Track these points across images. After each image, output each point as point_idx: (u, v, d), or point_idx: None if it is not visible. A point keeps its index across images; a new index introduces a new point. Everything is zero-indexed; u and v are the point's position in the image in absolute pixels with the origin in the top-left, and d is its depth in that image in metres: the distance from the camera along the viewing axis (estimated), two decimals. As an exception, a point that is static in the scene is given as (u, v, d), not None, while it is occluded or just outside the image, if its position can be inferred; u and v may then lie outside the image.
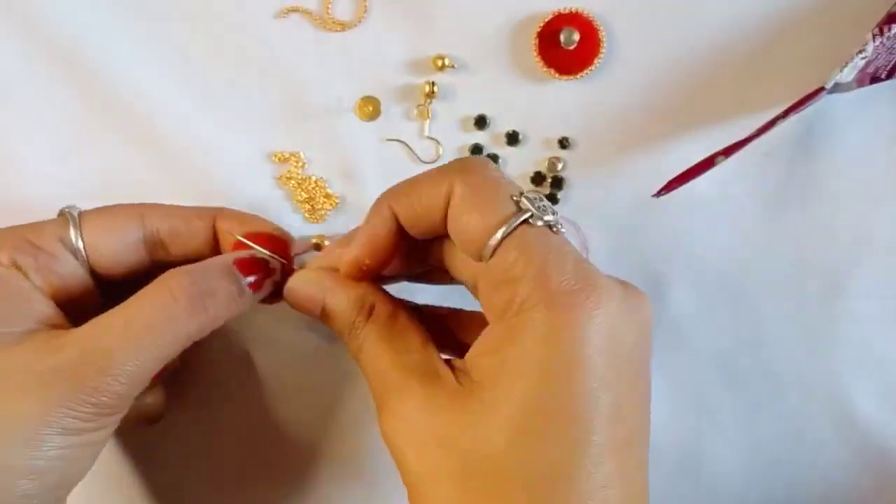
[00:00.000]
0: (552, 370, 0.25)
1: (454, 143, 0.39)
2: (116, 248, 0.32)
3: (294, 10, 0.39)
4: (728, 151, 0.35)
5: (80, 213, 0.32)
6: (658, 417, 0.39)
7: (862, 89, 0.36)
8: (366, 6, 0.39)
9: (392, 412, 0.28)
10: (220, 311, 0.30)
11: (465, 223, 0.27)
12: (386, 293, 0.32)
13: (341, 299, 0.31)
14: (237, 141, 0.39)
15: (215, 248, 0.34)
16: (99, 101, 0.39)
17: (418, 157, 0.39)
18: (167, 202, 0.38)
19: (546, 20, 0.38)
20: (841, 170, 0.38)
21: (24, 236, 0.30)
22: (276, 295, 0.33)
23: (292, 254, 0.35)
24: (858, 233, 0.38)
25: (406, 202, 0.29)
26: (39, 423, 0.26)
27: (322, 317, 0.32)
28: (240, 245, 0.34)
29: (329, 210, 0.39)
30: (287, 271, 0.34)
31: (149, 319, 0.28)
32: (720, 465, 0.39)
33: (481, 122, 0.39)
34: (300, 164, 0.39)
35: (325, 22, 0.39)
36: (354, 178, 0.40)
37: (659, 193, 0.35)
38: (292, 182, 0.39)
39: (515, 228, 0.26)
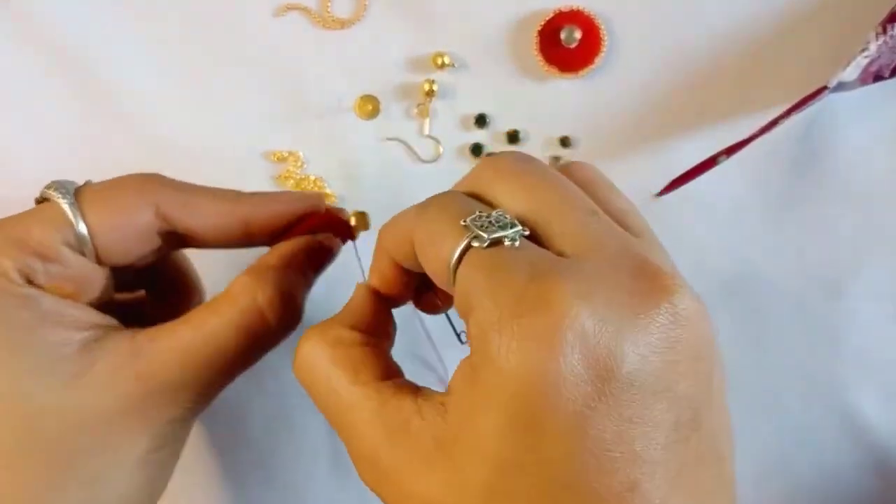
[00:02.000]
0: (517, 410, 0.20)
1: (454, 141, 0.39)
2: (129, 248, 0.29)
3: (293, 7, 0.39)
4: (730, 150, 0.35)
5: (78, 192, 0.28)
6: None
7: (865, 88, 0.36)
8: (365, 4, 0.38)
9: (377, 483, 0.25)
10: (287, 319, 0.30)
11: (426, 261, 0.24)
12: (354, 333, 0.27)
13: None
14: (235, 140, 0.39)
15: (242, 230, 0.31)
16: (97, 100, 0.39)
17: (418, 157, 0.39)
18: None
19: (547, 18, 0.38)
20: (844, 169, 0.38)
21: (27, 244, 0.27)
22: None
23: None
24: (862, 232, 0.38)
25: (389, 242, 0.27)
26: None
27: None
28: (301, 229, 0.31)
29: (328, 209, 0.39)
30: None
31: (241, 349, 0.28)
32: None
33: (482, 120, 0.39)
34: (299, 163, 0.39)
35: (325, 20, 0.38)
36: (353, 177, 0.39)
37: (662, 192, 0.35)
38: (291, 181, 0.39)
39: (462, 256, 0.23)
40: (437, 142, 0.39)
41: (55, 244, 0.27)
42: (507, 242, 0.22)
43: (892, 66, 0.36)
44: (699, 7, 0.37)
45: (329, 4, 0.38)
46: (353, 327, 0.26)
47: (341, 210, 0.33)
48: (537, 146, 0.39)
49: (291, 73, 0.39)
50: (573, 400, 0.20)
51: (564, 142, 0.38)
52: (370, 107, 0.39)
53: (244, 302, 0.28)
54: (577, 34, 0.37)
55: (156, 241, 0.29)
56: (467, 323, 0.22)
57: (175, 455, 0.30)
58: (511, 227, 0.23)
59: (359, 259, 0.32)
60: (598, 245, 0.22)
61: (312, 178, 0.39)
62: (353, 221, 0.33)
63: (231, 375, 0.29)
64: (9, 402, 0.26)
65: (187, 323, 0.28)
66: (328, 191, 0.39)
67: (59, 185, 0.28)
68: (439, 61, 0.38)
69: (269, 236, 0.31)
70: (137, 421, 0.27)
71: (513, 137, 0.38)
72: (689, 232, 0.39)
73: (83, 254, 0.28)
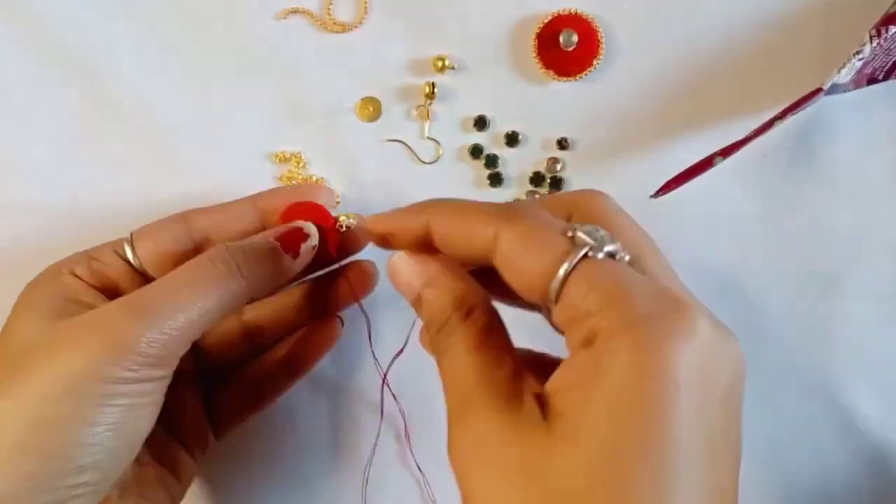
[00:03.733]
0: (639, 408, 0.22)
1: (454, 143, 0.39)
2: (166, 253, 0.33)
3: (295, 11, 0.39)
4: (726, 152, 0.35)
5: (133, 232, 0.34)
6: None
7: (859, 90, 0.37)
8: (366, 7, 0.39)
9: (466, 429, 0.25)
10: (257, 275, 0.32)
11: (521, 269, 0.25)
12: (489, 301, 0.28)
13: (441, 292, 0.28)
14: (238, 141, 0.39)
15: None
16: (99, 102, 0.39)
17: (418, 158, 0.39)
18: (166, 202, 0.38)
19: (545, 21, 0.38)
20: (838, 170, 0.38)
21: (85, 253, 0.33)
22: (323, 260, 0.36)
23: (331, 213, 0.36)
24: (856, 233, 0.38)
25: (446, 228, 0.28)
26: (83, 372, 0.28)
27: (414, 303, 0.29)
28: (285, 217, 0.35)
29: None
30: (330, 234, 0.35)
31: (188, 279, 0.30)
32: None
33: (481, 122, 0.39)
34: (301, 164, 0.39)
35: (326, 23, 0.39)
36: (355, 178, 0.40)
37: (657, 194, 0.35)
38: (293, 182, 0.39)
39: (577, 264, 0.24)
40: (438, 143, 0.39)
41: (104, 249, 0.33)
42: (618, 256, 0.25)
43: (886, 69, 0.36)
44: (695, 11, 0.38)
45: (330, 8, 0.39)
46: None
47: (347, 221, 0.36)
48: (536, 148, 0.39)
49: (293, 75, 0.39)
50: (688, 405, 0.22)
51: (562, 143, 0.39)
52: (371, 109, 0.39)
53: (202, 262, 0.31)
54: (575, 38, 0.37)
55: (191, 252, 0.34)
56: (576, 331, 0.24)
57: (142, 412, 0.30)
58: (613, 243, 0.25)
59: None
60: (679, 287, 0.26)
61: (314, 179, 0.40)
62: (341, 219, 0.36)
63: (190, 326, 0.30)
64: (15, 335, 0.30)
65: (152, 283, 0.31)
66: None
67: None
68: (439, 64, 0.38)
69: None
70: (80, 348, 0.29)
71: (511, 139, 0.39)
72: (685, 232, 0.39)
73: (128, 261, 0.33)
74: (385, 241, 0.30)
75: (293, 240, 0.33)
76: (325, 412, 0.40)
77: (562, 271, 0.24)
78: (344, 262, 0.37)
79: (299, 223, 0.34)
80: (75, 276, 0.32)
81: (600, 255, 0.24)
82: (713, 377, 0.23)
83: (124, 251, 0.33)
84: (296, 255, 0.33)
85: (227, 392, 0.37)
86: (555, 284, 0.24)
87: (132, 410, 0.29)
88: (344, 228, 0.36)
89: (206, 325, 0.30)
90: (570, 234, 0.25)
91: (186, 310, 0.29)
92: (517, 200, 0.27)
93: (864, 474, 0.39)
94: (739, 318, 0.39)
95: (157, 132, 0.39)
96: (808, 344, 0.39)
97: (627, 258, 0.25)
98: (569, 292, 0.24)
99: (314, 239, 0.34)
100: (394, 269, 0.30)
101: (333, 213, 0.36)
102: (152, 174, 0.40)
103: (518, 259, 0.25)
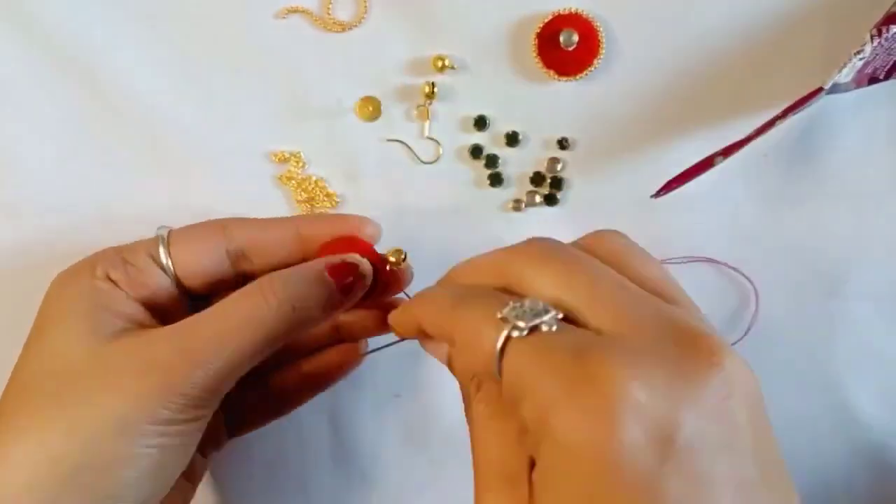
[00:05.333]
0: (586, 487, 0.21)
1: (454, 143, 0.39)
2: (202, 261, 0.33)
3: (294, 10, 0.39)
4: (727, 152, 0.35)
5: (170, 232, 0.33)
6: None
7: (860, 90, 0.37)
8: (366, 7, 0.39)
9: None
10: (310, 315, 0.31)
11: (470, 363, 0.26)
12: None
13: (458, 361, 0.28)
14: (237, 141, 0.39)
15: (301, 257, 0.34)
16: (99, 102, 0.39)
17: (418, 158, 0.39)
18: (166, 203, 0.38)
19: (545, 21, 0.38)
20: (839, 170, 0.38)
21: (119, 253, 0.32)
22: (367, 297, 0.34)
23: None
24: (857, 233, 0.38)
25: (427, 328, 0.28)
26: (135, 414, 0.28)
27: (447, 363, 0.29)
28: (327, 249, 0.34)
29: (328, 209, 0.40)
30: (381, 271, 0.34)
31: (240, 319, 0.30)
32: None
33: (481, 122, 0.39)
34: (300, 163, 0.39)
35: (326, 22, 0.39)
36: (354, 178, 0.40)
37: (657, 194, 0.35)
38: (293, 182, 0.39)
39: (503, 350, 0.24)
40: (438, 143, 0.39)
41: (139, 251, 0.32)
42: (544, 328, 0.23)
43: (886, 68, 0.36)
44: (696, 11, 0.38)
45: (330, 7, 0.39)
46: None
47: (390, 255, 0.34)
48: (536, 148, 0.39)
49: (293, 75, 0.39)
50: (638, 469, 0.20)
51: (563, 143, 0.39)
52: (371, 108, 0.39)
53: (250, 302, 0.30)
54: (576, 37, 0.37)
55: (225, 263, 0.33)
56: (520, 410, 0.23)
57: (175, 455, 0.30)
58: (546, 313, 0.24)
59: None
60: (634, 317, 0.23)
61: (314, 178, 0.39)
62: (390, 258, 0.34)
63: (238, 368, 0.30)
64: (57, 351, 0.29)
65: (194, 317, 0.30)
66: (330, 190, 0.40)
67: (161, 227, 0.34)
68: (439, 64, 0.38)
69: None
70: (130, 384, 0.29)
71: (512, 139, 0.39)
72: (686, 232, 0.39)
73: (162, 268, 0.33)
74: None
75: (346, 275, 0.32)
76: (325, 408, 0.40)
77: (496, 356, 0.24)
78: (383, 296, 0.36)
79: (355, 258, 0.33)
80: (111, 280, 0.32)
81: (525, 333, 0.23)
82: (674, 429, 0.21)
83: (159, 256, 0.33)
84: (347, 293, 0.32)
85: (248, 396, 0.36)
86: (495, 369, 0.24)
87: (178, 448, 0.30)
88: (388, 268, 0.34)
89: (254, 364, 0.30)
90: (500, 314, 0.24)
91: (239, 354, 0.29)
92: (471, 288, 0.27)
93: (864, 474, 0.39)
94: (739, 319, 0.39)
95: (157, 131, 0.39)
96: (808, 344, 0.39)
97: (556, 325, 0.24)
98: (506, 374, 0.24)
99: (368, 279, 0.33)
100: (424, 327, 0.30)
101: (377, 248, 0.35)
102: (151, 174, 0.39)
103: (465, 351, 0.26)
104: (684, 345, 0.22)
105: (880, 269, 0.38)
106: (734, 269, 0.39)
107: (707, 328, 0.23)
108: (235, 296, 0.30)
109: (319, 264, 0.32)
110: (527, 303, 0.24)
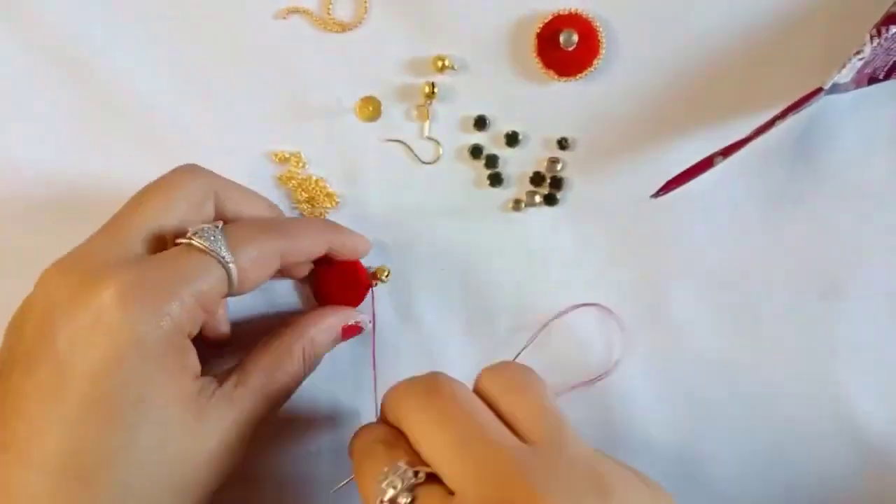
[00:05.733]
0: None
1: (454, 143, 0.39)
2: (261, 279, 0.33)
3: (294, 10, 0.39)
4: (727, 152, 0.35)
5: (237, 264, 0.31)
6: (656, 417, 0.39)
7: (860, 90, 0.37)
8: (366, 7, 0.39)
9: None
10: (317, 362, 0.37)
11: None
12: None
13: None
14: (237, 141, 0.39)
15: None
16: (98, 102, 0.39)
17: (418, 158, 0.39)
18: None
19: (545, 21, 0.38)
20: (839, 170, 0.38)
21: (198, 300, 0.30)
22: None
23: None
24: (857, 233, 0.38)
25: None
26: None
27: None
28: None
29: (329, 209, 0.40)
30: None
31: (279, 384, 0.34)
32: (719, 464, 0.39)
33: (481, 122, 0.39)
34: (300, 163, 0.39)
35: (326, 22, 0.39)
36: (354, 178, 0.40)
37: (657, 194, 0.35)
38: (293, 182, 0.39)
39: None
40: (438, 143, 0.39)
41: (217, 300, 0.31)
42: (401, 501, 0.27)
43: (886, 69, 0.36)
44: (696, 11, 0.38)
45: (330, 7, 0.39)
46: None
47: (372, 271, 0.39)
48: (536, 148, 0.39)
49: (293, 75, 0.39)
50: None
51: (562, 143, 0.39)
52: (371, 108, 0.39)
53: (298, 373, 0.35)
54: (576, 37, 0.37)
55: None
56: None
57: None
58: (403, 483, 0.27)
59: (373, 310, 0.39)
60: (479, 476, 0.26)
61: (314, 178, 0.40)
62: (382, 278, 0.39)
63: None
64: (153, 447, 0.29)
65: (261, 391, 0.33)
66: (330, 190, 0.40)
67: (213, 237, 0.31)
68: (439, 64, 0.38)
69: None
70: (227, 458, 0.32)
71: (511, 139, 0.39)
72: (686, 233, 0.39)
73: (228, 296, 0.32)
74: None
75: (353, 334, 0.38)
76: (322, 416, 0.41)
77: None
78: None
79: (362, 320, 0.38)
80: (182, 331, 0.30)
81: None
82: None
83: (225, 289, 0.31)
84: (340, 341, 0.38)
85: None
86: None
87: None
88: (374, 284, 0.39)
89: None
90: (379, 481, 0.27)
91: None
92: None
93: (864, 474, 0.39)
94: (741, 318, 0.39)
95: (157, 131, 0.39)
96: (809, 343, 0.39)
97: (421, 480, 0.27)
98: None
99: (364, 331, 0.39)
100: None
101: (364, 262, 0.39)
102: (151, 173, 0.39)
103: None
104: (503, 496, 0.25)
105: (880, 269, 0.38)
106: (608, 309, 0.39)
107: (531, 474, 0.26)
108: (278, 359, 0.34)
109: (336, 328, 0.37)
110: (400, 468, 0.27)
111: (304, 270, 0.38)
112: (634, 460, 0.39)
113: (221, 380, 0.32)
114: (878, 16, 0.34)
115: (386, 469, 0.28)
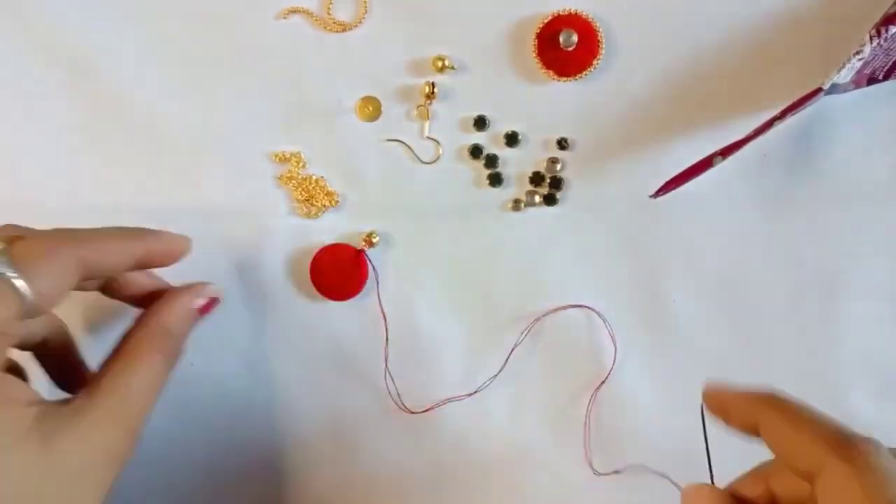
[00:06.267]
0: None
1: (454, 143, 0.39)
2: (64, 285, 0.30)
3: (294, 10, 0.39)
4: (726, 152, 0.35)
5: (23, 278, 0.28)
6: (657, 416, 0.39)
7: (859, 90, 0.37)
8: (366, 7, 0.39)
9: None
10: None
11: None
12: None
13: None
14: (238, 140, 0.39)
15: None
16: (99, 102, 0.39)
17: (418, 158, 0.40)
18: (166, 203, 0.38)
19: (545, 22, 0.38)
20: (838, 170, 0.38)
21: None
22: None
23: None
24: (856, 233, 0.38)
25: (772, 438, 0.27)
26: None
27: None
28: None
29: (328, 208, 0.40)
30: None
31: (145, 386, 0.32)
32: (718, 463, 0.39)
33: (481, 122, 0.39)
34: (300, 163, 0.39)
35: (326, 23, 0.39)
36: (354, 178, 0.40)
37: (656, 194, 0.35)
38: (293, 182, 0.39)
39: None
40: (437, 143, 0.39)
41: (14, 323, 0.28)
42: None
43: (885, 69, 0.36)
44: (695, 11, 0.38)
45: (330, 7, 0.39)
46: None
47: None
48: (535, 148, 0.39)
49: (293, 75, 0.39)
50: None
51: (562, 143, 0.39)
52: (371, 108, 0.39)
53: (155, 364, 0.32)
54: (575, 38, 0.37)
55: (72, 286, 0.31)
56: None
57: None
58: None
59: None
60: None
61: (314, 177, 0.40)
62: (373, 240, 0.39)
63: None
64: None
65: (115, 393, 0.31)
66: (330, 189, 0.40)
67: None
68: (439, 64, 0.38)
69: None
70: (102, 472, 0.30)
71: (511, 139, 0.39)
72: (685, 232, 0.39)
73: (28, 315, 0.29)
74: (720, 412, 0.29)
75: (211, 309, 0.36)
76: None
77: None
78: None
79: (219, 293, 0.37)
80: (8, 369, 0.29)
81: None
82: None
83: (22, 308, 0.28)
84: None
85: None
86: None
87: None
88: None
89: None
90: None
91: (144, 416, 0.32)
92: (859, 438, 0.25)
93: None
94: (740, 319, 0.39)
95: (157, 132, 0.39)
96: (808, 343, 0.39)
97: None
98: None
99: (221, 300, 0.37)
100: (685, 496, 0.30)
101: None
102: (152, 174, 0.40)
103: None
104: None
105: (880, 269, 0.38)
106: (597, 312, 0.39)
107: None
108: (136, 361, 0.32)
109: (191, 310, 0.35)
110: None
111: (129, 287, 0.36)
112: (634, 459, 0.40)
113: (71, 400, 0.30)
114: (878, 16, 0.34)
115: None
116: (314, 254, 0.39)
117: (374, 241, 0.39)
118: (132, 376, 0.31)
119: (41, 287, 0.29)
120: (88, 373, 0.36)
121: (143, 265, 0.34)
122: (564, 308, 0.39)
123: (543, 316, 0.39)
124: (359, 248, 0.39)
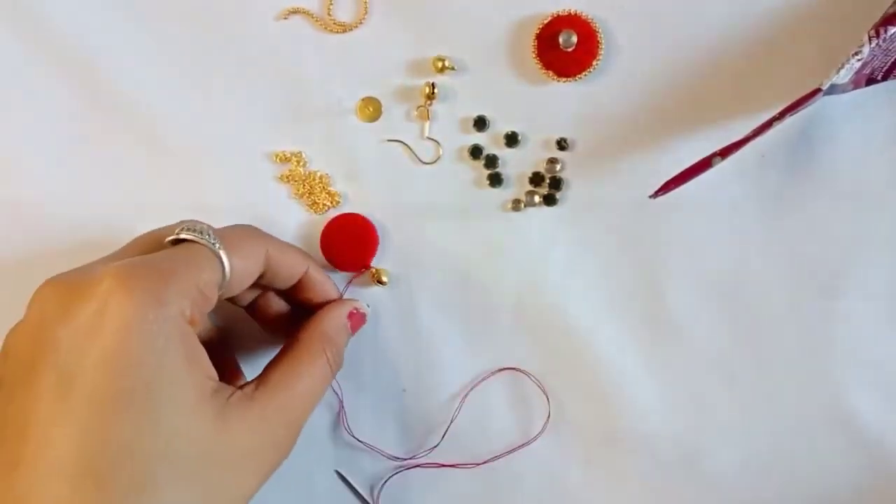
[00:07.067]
0: None
1: (454, 144, 0.40)
2: (250, 277, 0.34)
3: (295, 11, 0.39)
4: (725, 152, 0.35)
5: (231, 266, 0.32)
6: (656, 416, 0.39)
7: (858, 91, 0.37)
8: (366, 8, 0.39)
9: None
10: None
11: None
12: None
13: None
14: (238, 141, 0.40)
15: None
16: (99, 102, 0.39)
17: (418, 158, 0.40)
18: (167, 202, 0.38)
19: (545, 22, 0.38)
20: (837, 171, 0.38)
21: (197, 286, 0.30)
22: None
23: None
24: (855, 233, 0.38)
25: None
26: (258, 486, 0.31)
27: None
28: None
29: (329, 207, 0.40)
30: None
31: (310, 388, 0.34)
32: (718, 463, 0.39)
33: (481, 123, 0.39)
34: (301, 163, 0.40)
35: (326, 23, 0.39)
36: (355, 178, 0.40)
37: (656, 194, 0.35)
38: (294, 182, 0.40)
39: None
40: (438, 143, 0.40)
41: (216, 289, 0.31)
42: None
43: (884, 70, 0.36)
44: (695, 12, 0.38)
45: (331, 8, 0.39)
46: None
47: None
48: (535, 148, 0.39)
49: (294, 75, 0.39)
50: None
51: (562, 144, 0.39)
52: (371, 109, 0.39)
53: (321, 366, 0.34)
54: (575, 38, 0.37)
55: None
56: None
57: None
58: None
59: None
60: None
61: (318, 174, 0.40)
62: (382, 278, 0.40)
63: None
64: (172, 436, 0.28)
65: (284, 387, 0.33)
66: (332, 189, 0.40)
67: (201, 230, 0.32)
68: (439, 65, 0.38)
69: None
70: (263, 458, 0.31)
71: (511, 140, 0.39)
72: (685, 233, 0.39)
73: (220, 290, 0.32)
74: None
75: (358, 323, 0.38)
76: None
77: None
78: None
79: (366, 309, 0.39)
80: (192, 322, 0.30)
81: None
82: None
83: (222, 277, 0.31)
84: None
85: None
86: None
87: None
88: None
89: None
90: None
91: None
92: None
93: (864, 474, 0.39)
94: (740, 318, 0.39)
95: (157, 132, 0.40)
96: (807, 343, 0.39)
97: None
98: None
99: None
100: None
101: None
102: (152, 173, 0.40)
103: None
104: None
105: (880, 269, 0.38)
106: (528, 375, 0.40)
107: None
108: (309, 365, 0.34)
109: (346, 323, 0.37)
110: None
111: (312, 288, 0.37)
112: (634, 459, 0.40)
113: (241, 387, 0.32)
114: (877, 16, 0.34)
115: None
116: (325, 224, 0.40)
117: (383, 279, 0.40)
118: (300, 377, 0.33)
119: (235, 265, 0.31)
120: (239, 370, 0.38)
121: (277, 284, 0.36)
122: (491, 374, 0.40)
123: (476, 384, 0.40)
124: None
